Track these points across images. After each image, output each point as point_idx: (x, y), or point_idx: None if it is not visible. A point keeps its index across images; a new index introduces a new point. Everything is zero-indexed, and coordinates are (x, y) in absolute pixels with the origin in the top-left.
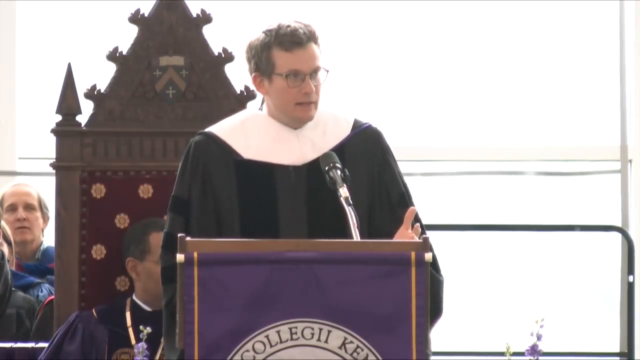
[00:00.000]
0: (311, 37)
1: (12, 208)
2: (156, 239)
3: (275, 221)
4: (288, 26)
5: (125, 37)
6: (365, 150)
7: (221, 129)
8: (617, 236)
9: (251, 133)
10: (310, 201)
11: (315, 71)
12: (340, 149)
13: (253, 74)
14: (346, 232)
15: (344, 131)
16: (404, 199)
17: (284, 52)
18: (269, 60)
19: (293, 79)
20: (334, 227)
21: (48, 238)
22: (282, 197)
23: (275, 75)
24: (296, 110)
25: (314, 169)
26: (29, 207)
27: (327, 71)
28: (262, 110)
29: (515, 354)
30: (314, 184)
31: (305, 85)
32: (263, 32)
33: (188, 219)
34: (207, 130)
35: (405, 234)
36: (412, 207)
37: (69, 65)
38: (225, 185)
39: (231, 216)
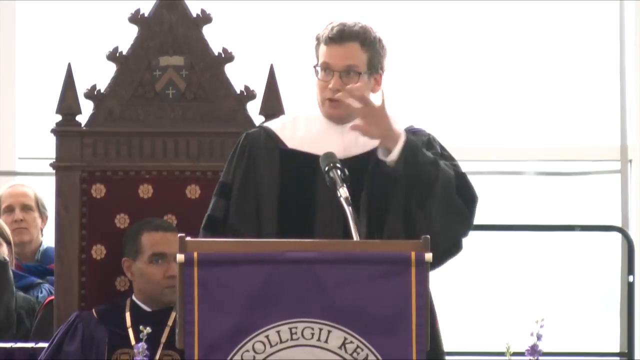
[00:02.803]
0: (356, 36)
1: (9, 209)
2: (148, 239)
3: (312, 211)
4: (339, 23)
5: (125, 37)
6: None
7: (275, 122)
8: (617, 236)
9: (300, 126)
10: (349, 192)
11: (348, 69)
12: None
13: (314, 65)
14: (383, 228)
15: None
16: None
17: (323, 45)
18: (317, 53)
19: (324, 73)
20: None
21: (48, 238)
22: (321, 187)
23: (317, 67)
24: (325, 106)
25: (356, 164)
26: (26, 208)
27: (359, 73)
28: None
29: (515, 354)
30: (353, 178)
31: (332, 81)
32: None
33: (229, 202)
34: (264, 124)
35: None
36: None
37: (69, 65)
38: (268, 172)
39: (270, 202)
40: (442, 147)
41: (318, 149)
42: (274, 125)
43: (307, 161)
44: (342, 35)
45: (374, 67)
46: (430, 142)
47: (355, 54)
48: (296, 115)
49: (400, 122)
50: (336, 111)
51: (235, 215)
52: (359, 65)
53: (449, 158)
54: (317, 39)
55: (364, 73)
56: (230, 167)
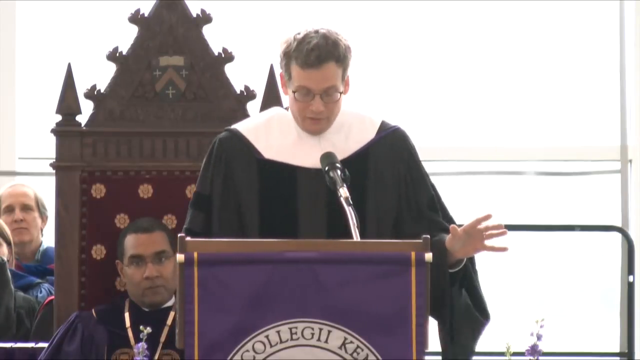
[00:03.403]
0: (330, 56)
1: (9, 209)
2: (128, 241)
3: (295, 223)
4: (309, 42)
5: (125, 37)
6: (391, 154)
7: (246, 126)
8: (617, 236)
9: (275, 133)
10: (330, 204)
11: (328, 90)
12: (365, 153)
13: (280, 72)
14: (365, 237)
15: (369, 135)
16: (434, 203)
17: (298, 67)
18: (288, 68)
19: (302, 95)
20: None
21: (48, 238)
22: (302, 199)
23: (290, 85)
24: (305, 123)
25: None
26: (26, 208)
27: (340, 93)
28: (288, 110)
29: (515, 354)
30: (330, 186)
31: (314, 103)
32: (293, 36)
33: (209, 215)
34: (232, 127)
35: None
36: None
37: (69, 65)
38: (246, 183)
39: (251, 215)
40: (421, 167)
41: (296, 160)
42: (245, 129)
43: (285, 172)
44: (320, 59)
45: (345, 73)
46: (411, 164)
47: (333, 74)
48: (268, 117)
49: (374, 118)
50: (318, 127)
51: (219, 228)
52: (337, 84)
53: (429, 184)
54: (287, 56)
55: (340, 85)
56: (206, 177)
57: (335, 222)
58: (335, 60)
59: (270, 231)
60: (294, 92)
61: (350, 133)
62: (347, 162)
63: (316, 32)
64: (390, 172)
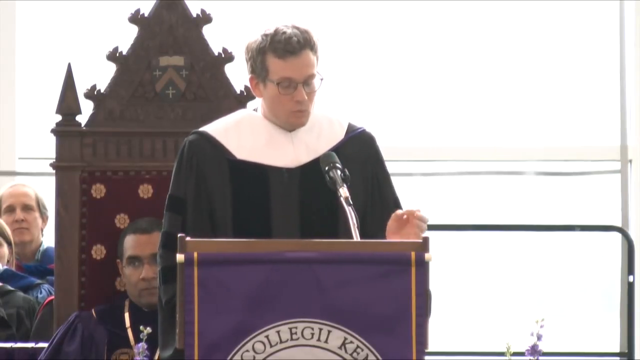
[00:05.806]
0: (307, 44)
1: (10, 209)
2: (127, 242)
3: (268, 223)
4: (284, 33)
5: (125, 37)
6: (359, 155)
7: (215, 128)
8: (617, 236)
9: (245, 133)
10: (303, 204)
11: (308, 79)
12: (335, 153)
13: (249, 76)
14: (338, 236)
15: (338, 135)
16: (399, 203)
17: (277, 59)
18: (263, 65)
19: (285, 87)
20: (326, 230)
21: (48, 238)
22: (275, 199)
23: (269, 80)
24: (289, 117)
25: (308, 171)
26: (26, 208)
27: (322, 79)
28: (257, 111)
29: (515, 354)
30: (307, 186)
31: (297, 93)
32: (261, 35)
33: (185, 218)
34: (201, 129)
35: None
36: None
37: (69, 65)
38: (219, 184)
39: (224, 216)
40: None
41: (269, 159)
42: (215, 131)
43: (258, 172)
44: (300, 45)
45: (317, 64)
46: (378, 165)
47: (311, 62)
48: (237, 118)
49: (341, 119)
50: (302, 119)
51: (192, 232)
52: (314, 73)
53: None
54: (261, 52)
55: (317, 74)
56: (179, 180)
57: (307, 222)
58: (310, 48)
59: (244, 231)
60: (277, 84)
61: (321, 133)
62: (318, 161)
63: (285, 25)
64: (359, 172)
